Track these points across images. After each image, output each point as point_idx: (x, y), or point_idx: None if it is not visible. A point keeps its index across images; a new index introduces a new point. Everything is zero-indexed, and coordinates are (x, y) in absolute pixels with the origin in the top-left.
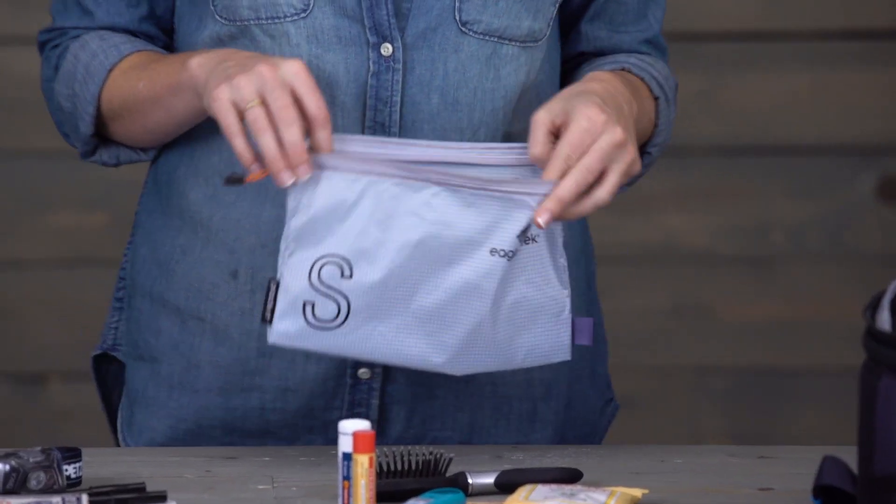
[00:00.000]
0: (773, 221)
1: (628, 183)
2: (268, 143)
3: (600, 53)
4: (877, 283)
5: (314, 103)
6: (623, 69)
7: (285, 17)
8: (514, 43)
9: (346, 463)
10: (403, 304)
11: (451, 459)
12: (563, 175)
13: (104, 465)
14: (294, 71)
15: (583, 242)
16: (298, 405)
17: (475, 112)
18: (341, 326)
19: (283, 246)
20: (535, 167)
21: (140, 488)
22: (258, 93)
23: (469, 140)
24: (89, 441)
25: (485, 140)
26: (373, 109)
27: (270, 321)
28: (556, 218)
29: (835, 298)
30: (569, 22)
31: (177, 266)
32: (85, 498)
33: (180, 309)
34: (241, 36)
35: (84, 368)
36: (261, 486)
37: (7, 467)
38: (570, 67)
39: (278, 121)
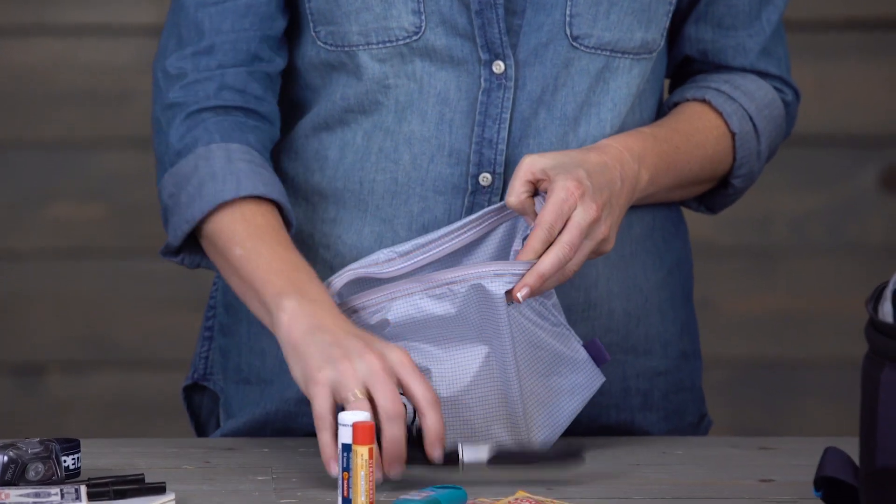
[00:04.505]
0: (775, 213)
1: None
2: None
3: (704, 58)
4: (879, 275)
5: (421, 391)
6: (704, 100)
7: (398, 40)
8: (626, 55)
9: (345, 454)
10: (459, 407)
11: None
12: (546, 243)
13: (102, 456)
14: (399, 360)
15: (679, 257)
16: None
17: (580, 125)
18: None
19: None
20: (516, 221)
21: (139, 479)
22: (363, 383)
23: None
24: (88, 432)
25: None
26: (481, 126)
27: None
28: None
29: (837, 290)
30: (674, 23)
31: None
32: (83, 489)
33: None
34: (348, 61)
35: (82, 359)
36: (260, 478)
37: (5, 458)
38: (675, 73)
39: (384, 415)
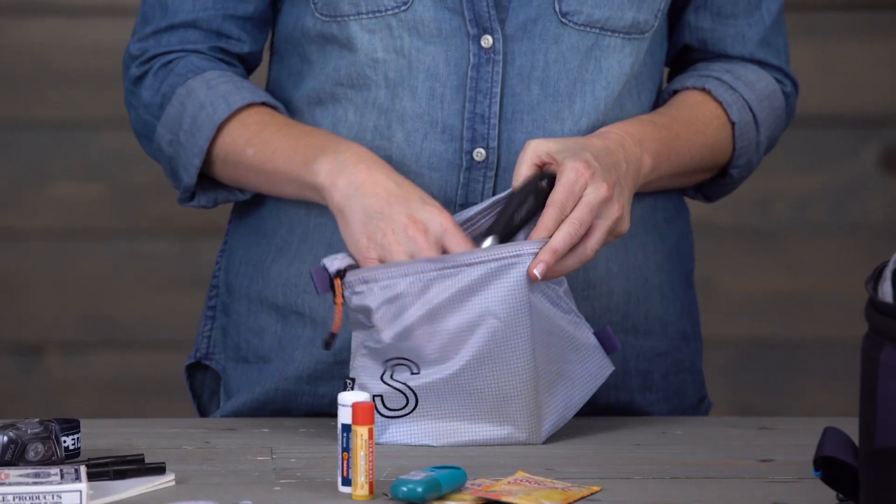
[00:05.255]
0: (776, 193)
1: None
2: None
3: (704, 46)
4: (880, 255)
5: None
6: (704, 89)
7: (386, 10)
8: (616, 34)
9: (345, 434)
10: (468, 388)
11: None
12: (558, 222)
13: (102, 436)
14: (443, 227)
15: (679, 239)
16: None
17: (576, 102)
18: (412, 413)
19: (354, 346)
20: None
21: (138, 459)
22: (409, 256)
23: (571, 129)
24: (87, 413)
25: (587, 130)
26: (472, 101)
27: None
28: (550, 269)
29: (837, 270)
30: (675, 11)
31: (273, 265)
32: (83, 469)
33: (279, 306)
34: (339, 32)
35: (82, 339)
36: (260, 458)
37: (5, 439)
38: (675, 61)
39: None
